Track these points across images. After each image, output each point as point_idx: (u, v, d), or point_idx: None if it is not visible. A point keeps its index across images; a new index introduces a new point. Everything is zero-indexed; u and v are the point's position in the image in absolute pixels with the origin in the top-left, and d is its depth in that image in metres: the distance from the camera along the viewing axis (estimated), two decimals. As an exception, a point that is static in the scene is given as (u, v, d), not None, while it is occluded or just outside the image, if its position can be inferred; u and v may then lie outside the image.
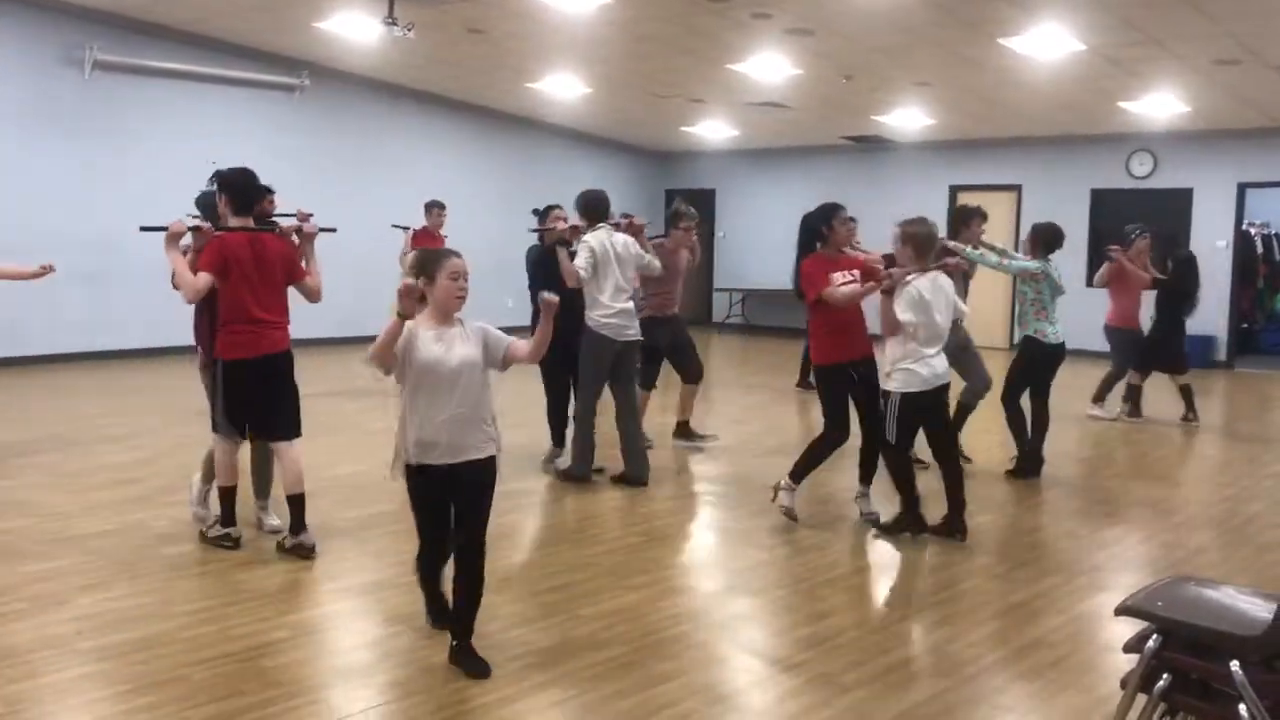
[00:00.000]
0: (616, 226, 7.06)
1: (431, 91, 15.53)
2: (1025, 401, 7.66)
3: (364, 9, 10.69)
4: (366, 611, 4.76)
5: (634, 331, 7.01)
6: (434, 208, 11.47)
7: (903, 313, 5.68)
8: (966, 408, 7.87)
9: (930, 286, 5.78)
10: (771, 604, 4.94)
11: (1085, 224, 15.61)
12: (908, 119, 15.25)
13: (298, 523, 5.30)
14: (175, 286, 5.39)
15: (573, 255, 6.79)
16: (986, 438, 8.46)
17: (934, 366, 5.78)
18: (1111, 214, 15.22)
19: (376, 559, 5.44)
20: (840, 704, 3.81)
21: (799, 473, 6.14)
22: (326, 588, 5.01)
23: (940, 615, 4.81)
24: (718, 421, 9.39)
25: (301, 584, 5.02)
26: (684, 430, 8.62)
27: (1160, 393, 10.45)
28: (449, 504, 4.03)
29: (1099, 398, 10.31)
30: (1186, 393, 10.07)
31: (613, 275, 6.85)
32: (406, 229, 11.43)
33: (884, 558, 5.84)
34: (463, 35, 11.73)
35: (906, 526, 5.95)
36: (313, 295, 5.54)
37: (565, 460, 7.30)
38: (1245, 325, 16.05)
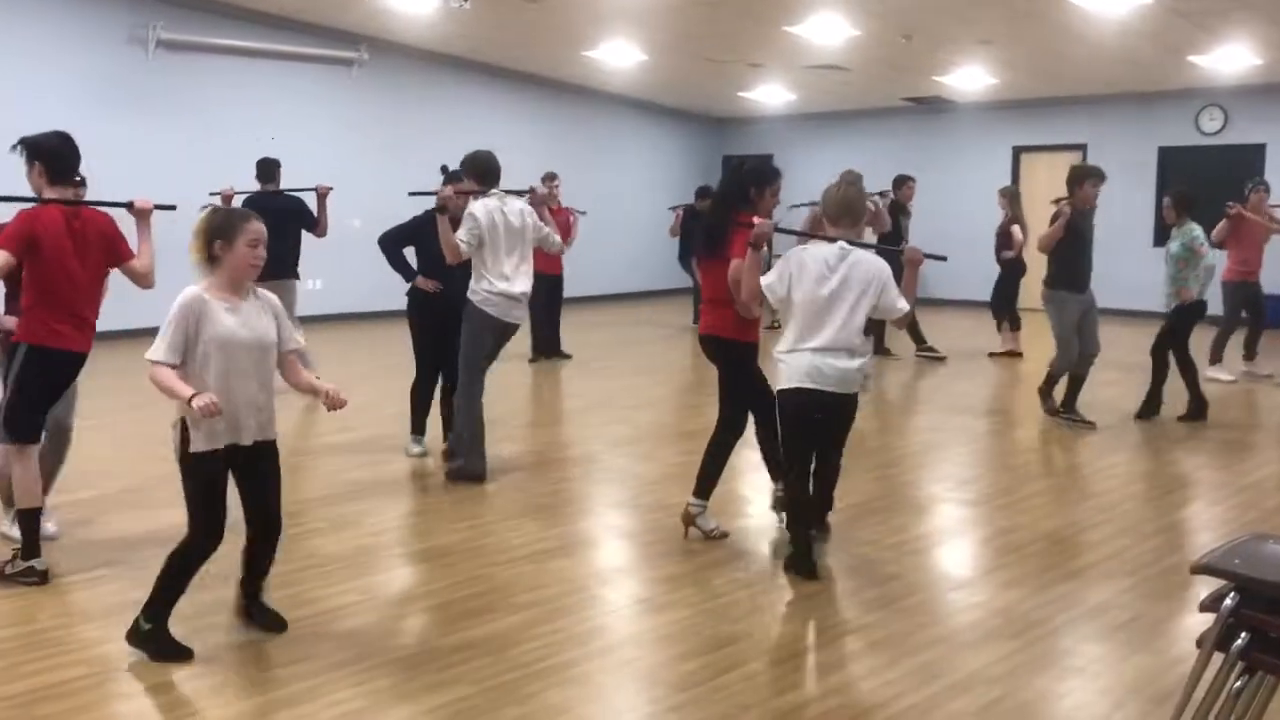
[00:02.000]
0: (524, 194, 6.40)
1: (489, 62, 15.54)
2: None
3: (420, -20, 10.72)
4: (435, 575, 4.82)
5: (520, 315, 6.29)
6: (546, 179, 10.70)
7: (770, 276, 4.70)
8: (1078, 378, 7.99)
9: (828, 260, 4.62)
10: (835, 568, 4.92)
11: (1153, 183, 15.25)
12: (969, 79, 14.99)
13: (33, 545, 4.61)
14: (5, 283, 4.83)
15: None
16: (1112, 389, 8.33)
17: (810, 361, 4.59)
18: (1180, 172, 14.86)
19: (444, 523, 5.51)
20: (908, 664, 3.80)
21: (703, 487, 5.28)
22: (396, 552, 5.09)
23: (1008, 577, 4.76)
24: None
25: (371, 550, 5.09)
26: None
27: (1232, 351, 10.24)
28: (226, 490, 3.78)
29: (1215, 358, 10.05)
30: None
31: (500, 248, 6.10)
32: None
33: (949, 522, 5.80)
34: (519, 4, 11.71)
35: (798, 568, 4.73)
36: (142, 279, 4.74)
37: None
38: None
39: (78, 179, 4.92)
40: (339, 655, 3.82)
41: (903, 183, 11.48)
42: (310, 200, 8.82)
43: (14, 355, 4.57)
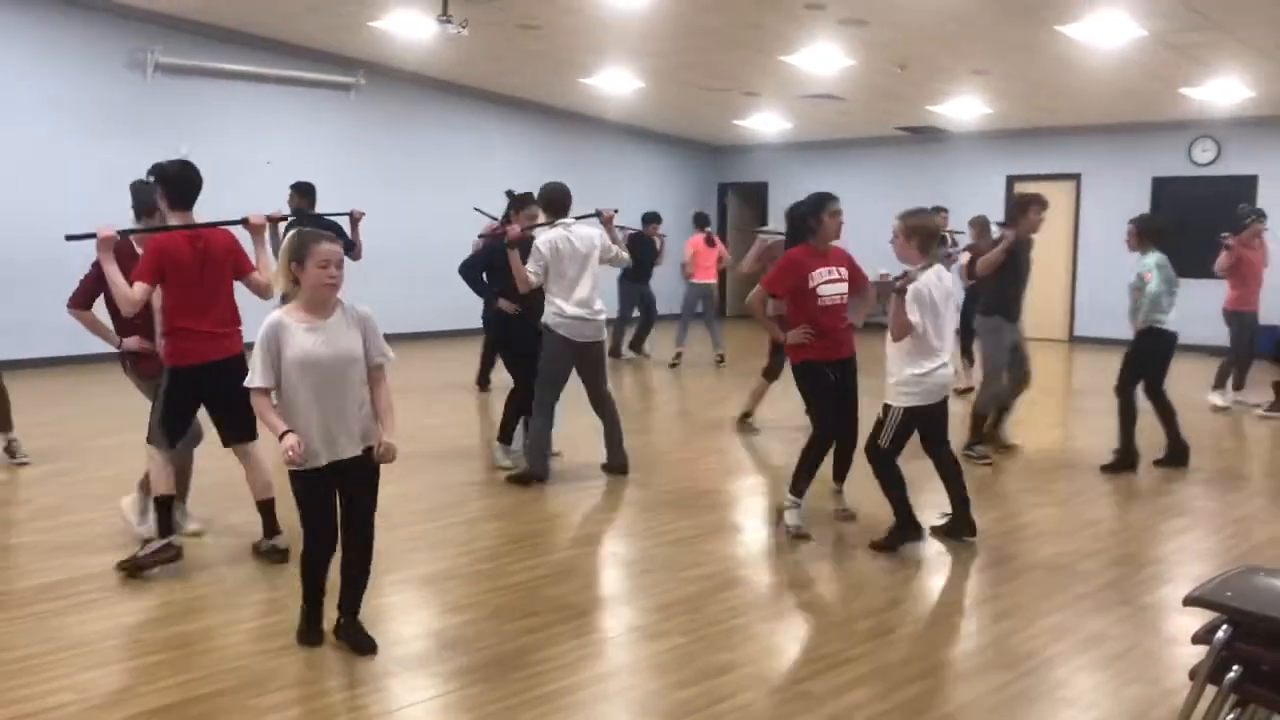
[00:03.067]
0: (592, 216, 6.85)
1: (486, 89, 15.62)
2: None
3: (418, 7, 10.77)
4: (427, 602, 4.82)
5: (593, 332, 6.76)
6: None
7: (913, 313, 5.28)
8: (1006, 409, 7.96)
9: (935, 283, 5.39)
10: (829, 597, 4.93)
11: (1147, 213, 15.34)
12: (963, 108, 15.08)
13: (271, 527, 5.18)
14: (109, 308, 5.21)
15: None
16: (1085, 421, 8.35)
17: (941, 378, 5.42)
18: (1173, 203, 14.95)
19: (438, 550, 5.51)
20: (901, 696, 3.80)
21: (799, 486, 5.79)
22: (388, 579, 5.06)
23: (1001, 608, 4.77)
24: (772, 414, 9.34)
25: (364, 575, 5.07)
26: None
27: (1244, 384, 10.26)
28: (335, 499, 3.99)
29: (1218, 384, 10.03)
30: None
31: (566, 274, 6.58)
32: (495, 219, 11.06)
33: (943, 551, 5.79)
34: (516, 31, 11.78)
35: (905, 537, 5.53)
36: (262, 291, 5.16)
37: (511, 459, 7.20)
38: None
39: None
40: (333, 681, 3.82)
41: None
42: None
43: (162, 377, 5.05)
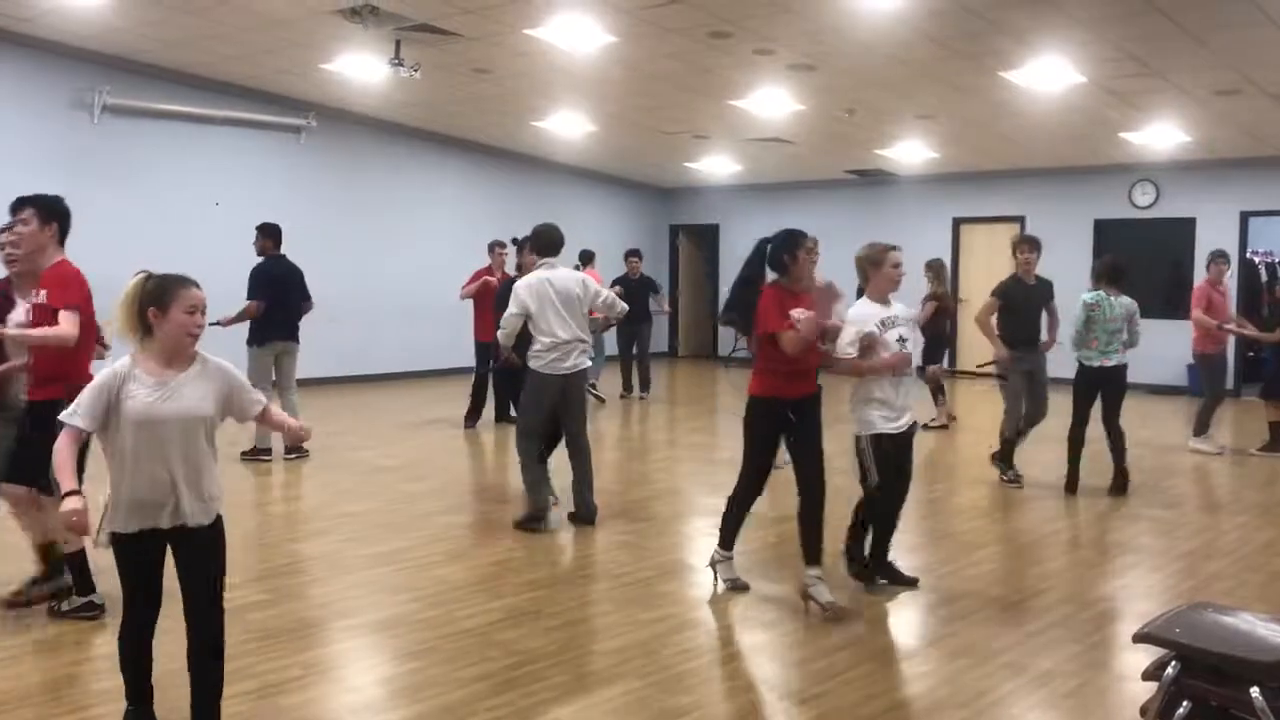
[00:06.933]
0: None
1: (437, 131, 15.65)
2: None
3: (370, 50, 10.79)
4: (380, 648, 4.76)
5: (570, 365, 6.73)
6: (495, 246, 11.04)
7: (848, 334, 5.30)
8: (1020, 434, 8.32)
9: (872, 314, 5.40)
10: (785, 637, 4.92)
11: (1088, 255, 15.62)
12: (910, 152, 15.32)
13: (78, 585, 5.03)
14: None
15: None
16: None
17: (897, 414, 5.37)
18: (1114, 245, 15.24)
19: (389, 595, 5.44)
20: (857, 736, 3.80)
21: (728, 538, 5.61)
22: (340, 625, 5.01)
23: (954, 646, 4.79)
24: (729, 452, 9.36)
25: (315, 622, 5.01)
26: None
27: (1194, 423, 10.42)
28: (161, 574, 3.56)
29: (1199, 430, 10.13)
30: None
31: (548, 313, 6.67)
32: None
33: (895, 591, 5.81)
34: (468, 75, 11.83)
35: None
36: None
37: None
38: (1251, 354, 16.02)
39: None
40: (281, 732, 3.75)
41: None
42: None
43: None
